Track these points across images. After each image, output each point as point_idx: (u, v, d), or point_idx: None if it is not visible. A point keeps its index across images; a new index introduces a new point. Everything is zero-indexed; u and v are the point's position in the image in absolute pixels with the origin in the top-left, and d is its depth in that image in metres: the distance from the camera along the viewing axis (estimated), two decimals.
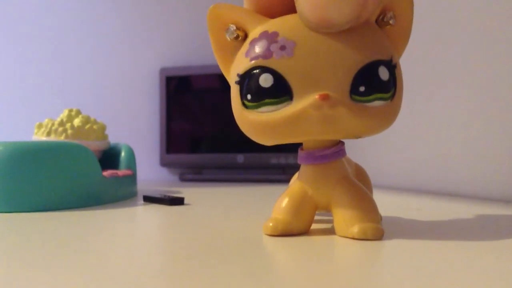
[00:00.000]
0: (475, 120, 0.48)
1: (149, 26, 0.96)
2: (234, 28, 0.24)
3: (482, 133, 0.47)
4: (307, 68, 0.22)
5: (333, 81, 0.22)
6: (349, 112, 0.22)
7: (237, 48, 0.24)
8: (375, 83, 0.22)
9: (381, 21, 0.23)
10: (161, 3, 0.95)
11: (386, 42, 0.23)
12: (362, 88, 0.22)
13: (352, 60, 0.22)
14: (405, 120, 0.57)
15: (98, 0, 0.95)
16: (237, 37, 0.24)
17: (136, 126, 0.95)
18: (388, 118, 0.23)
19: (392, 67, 0.22)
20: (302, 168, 0.25)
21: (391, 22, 0.23)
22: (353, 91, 0.22)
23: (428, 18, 0.54)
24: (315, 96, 0.21)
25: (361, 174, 0.30)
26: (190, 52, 0.93)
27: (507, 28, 0.44)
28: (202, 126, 0.93)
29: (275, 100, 0.22)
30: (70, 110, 0.53)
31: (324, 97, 0.21)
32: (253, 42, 0.23)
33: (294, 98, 0.22)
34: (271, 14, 0.23)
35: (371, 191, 0.30)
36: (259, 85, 0.22)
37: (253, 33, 0.23)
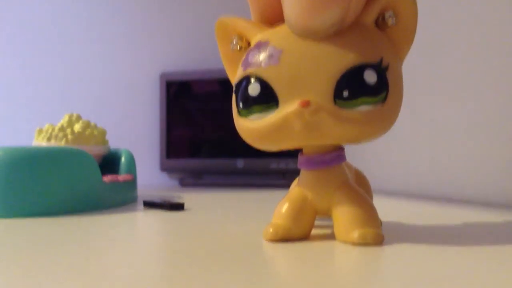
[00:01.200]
0: (475, 125, 0.48)
1: (150, 31, 0.96)
2: (236, 40, 0.25)
3: (483, 138, 0.47)
4: (292, 75, 0.22)
5: (316, 87, 0.22)
6: (331, 118, 0.21)
7: (241, 58, 0.24)
8: (360, 87, 0.21)
9: (381, 22, 0.23)
10: (161, 8, 0.96)
11: (379, 44, 0.22)
12: (345, 93, 0.21)
13: (335, 64, 0.21)
14: (406, 125, 0.57)
15: (98, 5, 0.96)
16: (241, 48, 0.25)
17: (136, 131, 0.95)
18: (380, 122, 0.22)
19: (382, 69, 0.21)
20: (302, 173, 0.26)
21: (390, 21, 0.22)
22: (337, 96, 0.22)
23: (429, 21, 0.54)
24: (296, 103, 0.22)
25: (361, 179, 0.29)
26: (191, 57, 0.94)
27: (509, 32, 0.44)
28: (202, 131, 0.93)
29: (262, 107, 0.23)
30: (71, 115, 0.53)
31: (305, 104, 0.21)
32: (249, 52, 0.24)
33: (280, 105, 0.22)
34: (275, 23, 0.24)
35: (371, 196, 0.30)
36: (248, 93, 0.23)
37: (252, 43, 0.24)
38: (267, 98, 0.22)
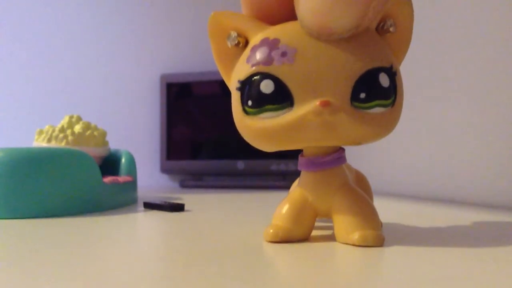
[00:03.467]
0: (476, 126, 0.48)
1: (150, 33, 0.96)
2: (235, 35, 0.24)
3: (483, 140, 0.47)
4: (308, 75, 0.22)
5: (334, 88, 0.22)
6: (349, 119, 0.22)
7: (238, 55, 0.24)
8: (376, 89, 0.22)
9: (381, 29, 0.23)
10: (162, 10, 0.96)
11: (386, 50, 0.23)
12: (363, 95, 0.22)
13: (353, 67, 0.22)
14: (406, 127, 0.57)
15: (99, 6, 0.96)
16: (238, 43, 0.24)
17: (136, 132, 0.95)
18: (388, 124, 0.23)
19: (392, 74, 0.22)
20: (303, 174, 0.26)
21: (391, 29, 0.23)
22: (354, 97, 0.22)
23: (427, 25, 0.54)
24: (316, 103, 0.22)
25: (361, 180, 0.30)
26: (191, 58, 0.94)
27: (508, 34, 0.44)
28: (203, 132, 0.93)
29: (276, 106, 0.22)
30: (71, 117, 0.53)
31: (325, 104, 0.21)
32: (254, 48, 0.23)
33: (295, 105, 0.22)
34: (270, 21, 0.23)
35: (371, 198, 0.30)
36: (260, 91, 0.22)
37: (254, 40, 0.23)
38: (282, 97, 0.22)
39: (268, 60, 0.22)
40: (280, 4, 0.23)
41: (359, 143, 0.23)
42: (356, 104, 0.22)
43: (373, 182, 0.32)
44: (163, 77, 0.93)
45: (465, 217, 0.36)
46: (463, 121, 0.50)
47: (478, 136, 0.48)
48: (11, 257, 0.22)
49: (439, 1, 0.54)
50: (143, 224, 0.36)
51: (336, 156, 0.24)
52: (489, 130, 0.47)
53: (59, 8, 0.96)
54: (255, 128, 0.23)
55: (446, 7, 0.53)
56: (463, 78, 0.50)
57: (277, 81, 0.22)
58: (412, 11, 0.23)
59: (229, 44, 0.24)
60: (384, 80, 0.22)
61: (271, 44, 0.22)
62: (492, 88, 0.46)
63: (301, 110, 0.22)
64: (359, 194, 0.24)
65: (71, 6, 0.96)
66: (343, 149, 0.25)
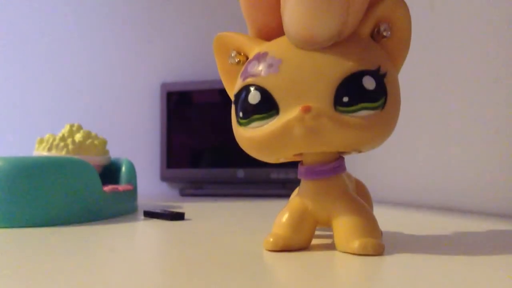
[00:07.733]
0: (476, 134, 0.49)
1: (150, 42, 0.97)
2: (235, 53, 0.25)
3: (483, 148, 0.47)
4: (292, 83, 0.22)
5: (316, 94, 0.22)
6: (333, 123, 0.22)
7: (239, 72, 0.25)
8: (360, 92, 0.22)
9: (376, 34, 0.23)
10: (162, 19, 0.97)
11: (376, 53, 0.23)
12: (345, 99, 0.22)
13: (334, 71, 0.22)
14: (405, 134, 0.57)
15: (98, 15, 0.96)
16: (239, 62, 0.25)
17: (137, 141, 0.95)
18: (380, 128, 0.22)
19: (379, 76, 0.22)
20: (302, 183, 0.26)
21: (385, 34, 0.23)
22: (337, 102, 0.22)
23: (428, 28, 0.54)
24: (297, 109, 0.22)
25: (361, 189, 0.30)
26: (191, 67, 0.94)
27: (509, 39, 0.45)
28: (203, 141, 0.93)
29: (263, 115, 0.23)
30: (71, 125, 0.53)
31: (306, 109, 0.22)
32: (247, 63, 0.24)
33: (280, 113, 0.23)
34: (272, 39, 0.24)
35: (371, 206, 0.30)
36: (248, 102, 0.23)
37: (250, 56, 0.24)
38: (268, 106, 0.23)
39: (256, 73, 0.23)
40: (278, 23, 0.24)
41: (353, 149, 0.23)
42: (340, 108, 0.22)
43: (373, 191, 0.32)
44: (163, 85, 0.93)
45: (466, 225, 0.36)
46: (463, 128, 0.50)
47: (479, 144, 0.48)
48: (11, 266, 0.22)
49: (438, 4, 0.54)
50: (143, 233, 0.36)
51: (335, 164, 0.24)
52: (490, 137, 0.47)
53: (59, 16, 0.96)
54: (247, 138, 0.24)
55: (446, 9, 0.53)
56: (463, 86, 0.50)
57: (263, 91, 0.23)
58: (408, 13, 0.23)
59: (230, 62, 0.26)
60: (368, 82, 0.22)
61: (261, 57, 0.23)
62: (492, 96, 0.46)
63: (285, 117, 0.22)
64: (358, 202, 0.24)
65: (72, 15, 0.96)
66: (342, 158, 0.25)
